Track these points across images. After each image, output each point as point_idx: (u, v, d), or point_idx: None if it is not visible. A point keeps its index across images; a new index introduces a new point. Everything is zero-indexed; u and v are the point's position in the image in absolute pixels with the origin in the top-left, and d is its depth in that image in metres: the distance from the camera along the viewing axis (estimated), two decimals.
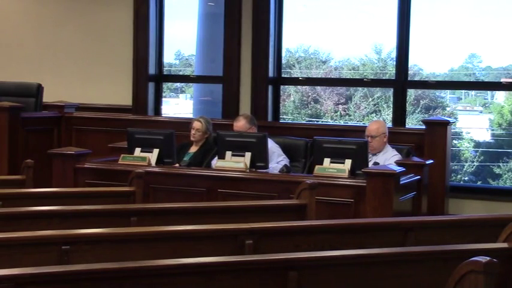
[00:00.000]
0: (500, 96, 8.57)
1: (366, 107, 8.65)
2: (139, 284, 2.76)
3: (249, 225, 3.62)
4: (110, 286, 2.72)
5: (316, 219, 4.37)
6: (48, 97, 7.77)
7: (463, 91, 8.90)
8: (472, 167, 8.12)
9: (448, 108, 8.58)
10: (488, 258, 2.52)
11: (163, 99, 8.53)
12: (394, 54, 7.40)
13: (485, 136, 8.48)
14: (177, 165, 6.11)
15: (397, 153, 5.97)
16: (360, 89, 8.58)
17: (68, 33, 8.46)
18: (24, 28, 8.67)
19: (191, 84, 9.27)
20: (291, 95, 8.99)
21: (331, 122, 8.63)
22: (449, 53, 7.87)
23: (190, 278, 2.84)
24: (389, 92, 7.90)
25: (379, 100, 8.56)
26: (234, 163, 5.70)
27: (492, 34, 7.42)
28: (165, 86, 8.87)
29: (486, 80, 8.09)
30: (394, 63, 7.35)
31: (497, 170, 7.94)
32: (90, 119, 7.71)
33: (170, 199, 5.45)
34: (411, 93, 8.13)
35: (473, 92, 8.91)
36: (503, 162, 7.92)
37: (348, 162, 5.42)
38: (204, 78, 8.51)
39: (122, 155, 6.03)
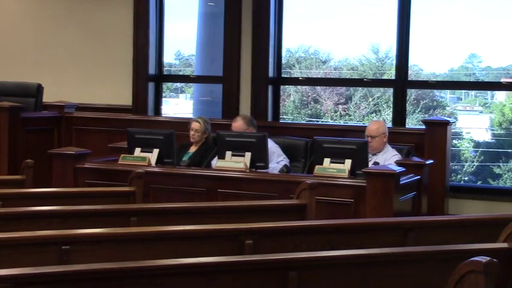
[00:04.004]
0: (500, 96, 8.57)
1: (365, 107, 8.64)
2: (139, 284, 2.76)
3: (249, 225, 3.62)
4: (109, 286, 2.72)
5: (316, 219, 4.37)
6: (48, 97, 7.77)
7: (463, 91, 8.90)
8: (472, 167, 8.12)
9: (448, 108, 8.57)
10: (488, 258, 2.52)
11: (163, 99, 8.53)
12: (394, 54, 7.40)
13: (485, 136, 8.48)
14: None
15: (397, 153, 5.97)
16: (360, 89, 8.58)
17: (68, 33, 8.46)
18: (24, 28, 8.66)
19: (191, 84, 9.26)
20: (291, 95, 8.98)
21: (331, 122, 8.63)
22: (449, 53, 7.87)
23: (190, 278, 2.84)
24: (389, 92, 7.90)
25: (379, 100, 8.56)
26: (234, 163, 5.70)
27: (492, 34, 7.42)
28: (165, 86, 8.86)
29: (486, 80, 8.09)
30: (394, 63, 7.35)
31: (497, 170, 7.94)
32: (90, 119, 7.71)
33: (170, 199, 5.44)
34: (411, 93, 8.13)
35: (473, 92, 8.91)
36: (503, 162, 7.91)
37: (348, 162, 5.42)
38: (204, 78, 8.50)
39: (122, 155, 6.03)
